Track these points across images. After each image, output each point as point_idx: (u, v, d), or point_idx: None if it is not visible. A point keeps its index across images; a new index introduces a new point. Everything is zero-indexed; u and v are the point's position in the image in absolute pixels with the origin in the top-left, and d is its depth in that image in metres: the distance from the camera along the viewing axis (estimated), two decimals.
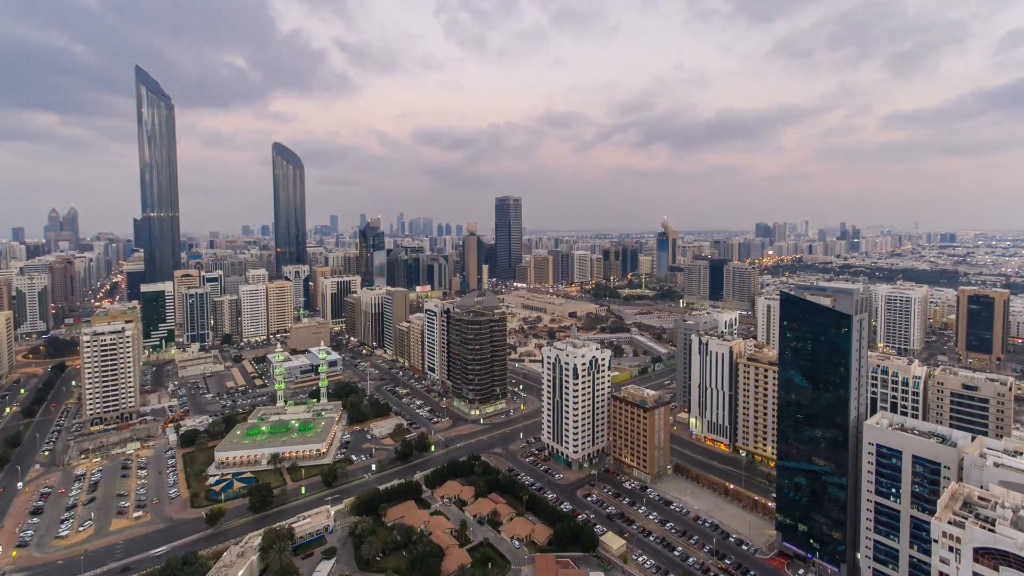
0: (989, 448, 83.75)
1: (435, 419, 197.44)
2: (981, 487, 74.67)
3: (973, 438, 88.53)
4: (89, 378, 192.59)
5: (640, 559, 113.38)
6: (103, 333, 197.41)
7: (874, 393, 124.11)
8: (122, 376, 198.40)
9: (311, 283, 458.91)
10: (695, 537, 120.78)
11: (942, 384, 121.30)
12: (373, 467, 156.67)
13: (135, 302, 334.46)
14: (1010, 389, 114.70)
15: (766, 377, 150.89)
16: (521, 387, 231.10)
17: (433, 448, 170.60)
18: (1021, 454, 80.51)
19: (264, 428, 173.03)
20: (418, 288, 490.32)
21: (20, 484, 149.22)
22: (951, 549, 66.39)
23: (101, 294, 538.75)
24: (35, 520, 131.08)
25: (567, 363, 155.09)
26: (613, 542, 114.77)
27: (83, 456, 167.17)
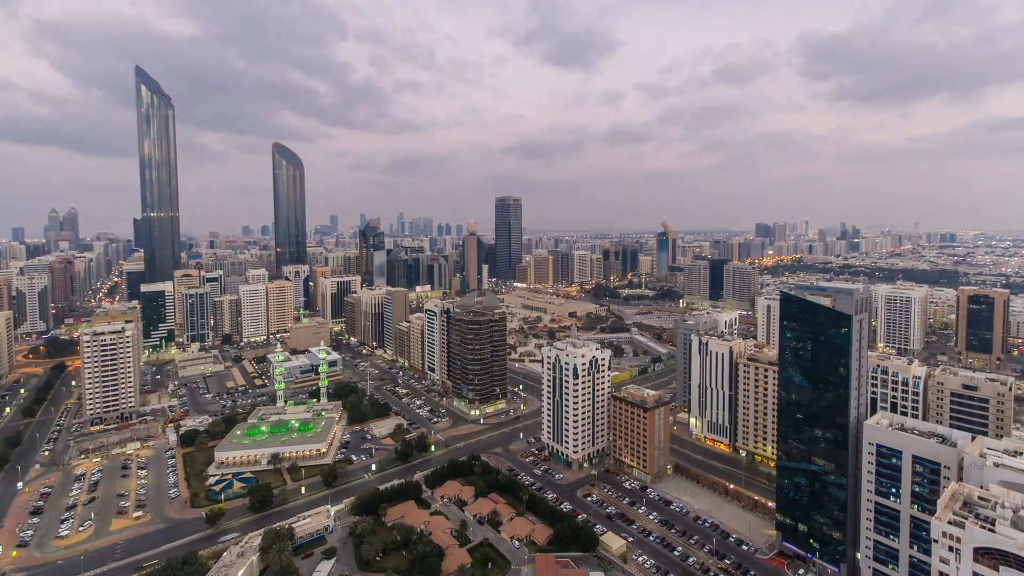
0: (989, 448, 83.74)
1: (435, 419, 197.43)
2: (981, 487, 74.68)
3: (973, 438, 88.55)
4: (89, 378, 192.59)
5: (640, 559, 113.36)
6: (103, 333, 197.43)
7: (874, 393, 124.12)
8: (122, 376, 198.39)
9: (311, 283, 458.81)
10: (695, 537, 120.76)
11: (942, 384, 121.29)
12: (373, 467, 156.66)
13: (135, 302, 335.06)
14: (1010, 389, 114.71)
15: (766, 377, 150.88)
16: (521, 387, 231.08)
17: (433, 448, 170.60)
18: (1021, 454, 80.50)
19: (264, 428, 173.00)
20: (418, 288, 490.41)
21: (20, 484, 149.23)
22: (951, 549, 66.38)
23: (101, 294, 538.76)
24: (35, 520, 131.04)
25: (567, 363, 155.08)
26: (613, 542, 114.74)
27: (83, 456, 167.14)
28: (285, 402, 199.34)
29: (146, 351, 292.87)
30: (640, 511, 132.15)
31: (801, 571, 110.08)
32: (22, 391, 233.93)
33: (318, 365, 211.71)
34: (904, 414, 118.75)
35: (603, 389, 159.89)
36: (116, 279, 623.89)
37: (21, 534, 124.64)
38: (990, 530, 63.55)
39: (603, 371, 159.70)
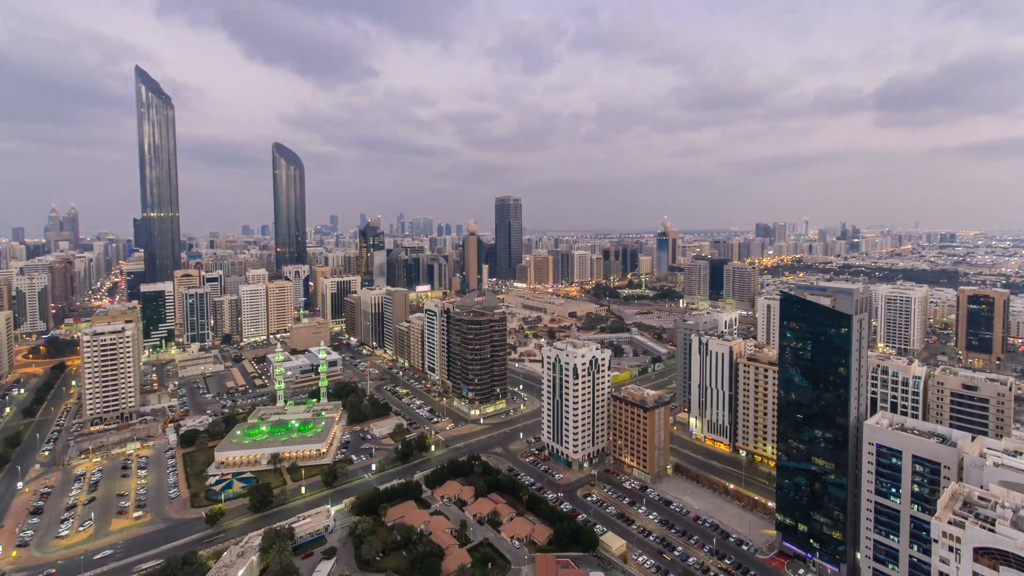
0: (989, 448, 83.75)
1: (435, 419, 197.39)
2: (981, 487, 74.69)
3: (973, 438, 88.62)
4: (89, 378, 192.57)
5: (640, 559, 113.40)
6: (103, 333, 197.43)
7: (874, 393, 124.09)
8: (122, 376, 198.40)
9: (311, 283, 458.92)
10: (695, 537, 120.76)
11: (942, 384, 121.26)
12: (373, 467, 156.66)
13: (135, 302, 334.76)
14: (1010, 389, 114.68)
15: (766, 377, 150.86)
16: (521, 387, 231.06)
17: (433, 448, 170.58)
18: (1021, 454, 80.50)
19: (264, 428, 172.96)
20: (418, 288, 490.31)
21: (20, 484, 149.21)
22: (951, 549, 66.40)
23: (101, 294, 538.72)
24: (35, 520, 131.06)
25: (567, 363, 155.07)
26: (613, 542, 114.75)
27: (83, 456, 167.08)
28: (285, 402, 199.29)
29: (146, 351, 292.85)
30: (640, 511, 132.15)
31: (801, 571, 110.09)
32: (22, 391, 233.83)
33: (318, 365, 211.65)
34: (904, 414, 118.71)
35: (603, 389, 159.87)
36: (116, 279, 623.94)
37: (21, 534, 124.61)
38: (990, 530, 63.56)
39: (603, 371, 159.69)
